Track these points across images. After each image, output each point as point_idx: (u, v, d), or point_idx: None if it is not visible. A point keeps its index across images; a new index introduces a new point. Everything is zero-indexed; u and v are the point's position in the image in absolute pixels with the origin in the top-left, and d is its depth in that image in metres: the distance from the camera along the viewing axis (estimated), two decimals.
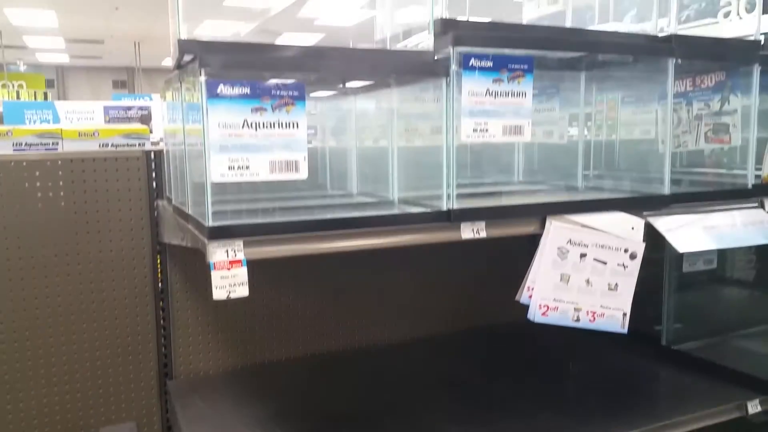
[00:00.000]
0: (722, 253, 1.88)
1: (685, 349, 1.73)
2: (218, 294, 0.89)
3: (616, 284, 1.23)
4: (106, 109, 3.49)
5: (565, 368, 1.71)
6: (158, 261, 1.50)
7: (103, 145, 1.45)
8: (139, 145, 1.47)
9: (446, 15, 1.07)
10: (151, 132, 3.67)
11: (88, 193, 1.41)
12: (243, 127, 0.88)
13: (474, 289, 1.90)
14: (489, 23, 1.11)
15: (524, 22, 1.66)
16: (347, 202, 1.32)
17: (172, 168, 1.30)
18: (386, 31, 1.26)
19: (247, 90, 0.87)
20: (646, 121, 1.77)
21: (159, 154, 1.45)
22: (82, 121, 3.51)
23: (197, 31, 1.02)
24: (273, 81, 0.89)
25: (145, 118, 3.64)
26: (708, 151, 1.63)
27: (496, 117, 1.11)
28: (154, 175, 1.47)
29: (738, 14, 6.07)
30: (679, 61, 1.29)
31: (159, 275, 1.51)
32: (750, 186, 1.40)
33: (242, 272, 0.90)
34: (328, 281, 1.70)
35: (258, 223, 0.94)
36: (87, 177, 1.41)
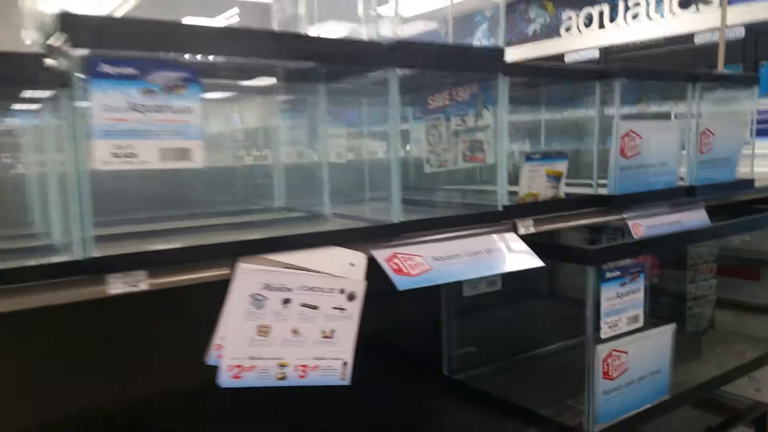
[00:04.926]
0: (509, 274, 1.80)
1: (466, 378, 1.60)
2: None
3: (333, 330, 1.04)
4: None
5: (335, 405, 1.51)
6: None
7: None
8: None
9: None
10: None
11: None
12: None
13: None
14: (130, 20, 0.88)
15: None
16: None
17: None
18: None
19: None
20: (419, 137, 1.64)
21: None
22: None
23: None
24: None
25: None
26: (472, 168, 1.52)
27: (147, 138, 0.88)
28: None
29: (578, 29, 6.36)
30: (405, 71, 1.14)
31: None
32: (500, 208, 1.28)
33: None
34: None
35: None
36: None
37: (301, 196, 1.50)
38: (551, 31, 5.93)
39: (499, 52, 1.23)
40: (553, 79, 1.48)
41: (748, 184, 1.77)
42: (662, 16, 4.99)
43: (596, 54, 5.21)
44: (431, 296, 1.63)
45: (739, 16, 4.26)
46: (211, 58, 1.01)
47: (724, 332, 2.03)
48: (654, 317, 1.86)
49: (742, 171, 1.75)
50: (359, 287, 1.05)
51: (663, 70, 1.59)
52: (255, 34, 0.99)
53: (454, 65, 1.20)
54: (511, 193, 1.34)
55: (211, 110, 1.61)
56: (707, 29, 4.57)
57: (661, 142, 1.56)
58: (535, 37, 6.10)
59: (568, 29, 5.63)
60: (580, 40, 5.45)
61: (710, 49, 4.36)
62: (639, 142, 1.50)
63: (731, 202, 1.76)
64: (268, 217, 1.35)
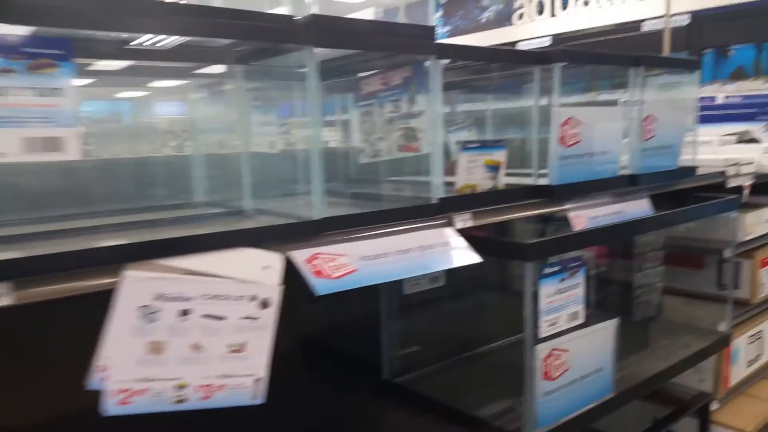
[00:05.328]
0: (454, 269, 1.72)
1: (408, 381, 1.52)
2: None
3: (242, 344, 0.93)
4: None
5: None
6: None
7: None
8: None
9: None
10: None
11: None
12: None
13: None
14: None
15: None
16: None
17: None
18: None
19: None
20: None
21: None
22: None
23: None
24: None
25: None
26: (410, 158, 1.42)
27: (6, 126, 0.75)
28: None
29: (530, 16, 6.30)
30: (324, 51, 1.03)
31: None
32: (435, 200, 1.19)
33: None
34: None
35: None
36: None
37: (225, 189, 1.37)
38: (504, 19, 5.89)
39: (428, 31, 1.13)
40: (489, 63, 1.40)
41: (690, 171, 1.73)
42: (611, 2, 5.01)
43: (549, 42, 5.19)
44: (370, 295, 1.53)
45: (685, 3, 4.29)
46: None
47: (670, 322, 2.01)
48: (601, 307, 1.82)
49: (684, 159, 1.71)
50: (274, 293, 0.94)
51: (603, 54, 1.52)
52: (145, 4, 0.86)
53: (378, 45, 1.09)
54: (450, 184, 1.26)
55: (122, 96, 1.46)
56: (654, 17, 4.60)
57: (602, 129, 1.49)
58: (488, 26, 6.05)
59: (520, 17, 5.60)
60: (533, 28, 5.42)
61: (658, 37, 4.38)
62: (579, 130, 1.43)
63: (674, 189, 1.72)
64: (181, 214, 1.22)
